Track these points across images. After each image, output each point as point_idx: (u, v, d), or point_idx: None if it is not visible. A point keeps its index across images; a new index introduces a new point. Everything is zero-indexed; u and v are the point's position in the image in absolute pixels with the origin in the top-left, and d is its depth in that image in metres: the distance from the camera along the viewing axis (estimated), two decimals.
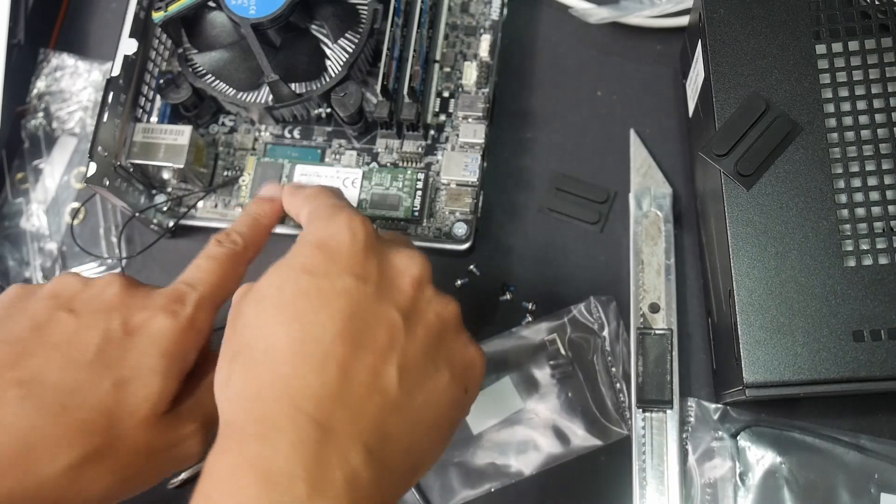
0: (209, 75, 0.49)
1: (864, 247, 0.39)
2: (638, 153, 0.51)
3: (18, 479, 0.34)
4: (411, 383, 0.33)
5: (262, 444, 0.30)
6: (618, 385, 0.46)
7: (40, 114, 0.55)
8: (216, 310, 0.40)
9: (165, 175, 0.49)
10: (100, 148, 0.45)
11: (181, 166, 0.47)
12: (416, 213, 0.48)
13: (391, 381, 0.33)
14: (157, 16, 0.47)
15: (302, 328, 0.33)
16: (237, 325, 0.35)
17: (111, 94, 0.46)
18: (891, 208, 0.39)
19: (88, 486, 0.36)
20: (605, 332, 0.47)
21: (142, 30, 0.48)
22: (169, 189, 0.51)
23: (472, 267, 0.50)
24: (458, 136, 0.49)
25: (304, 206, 0.39)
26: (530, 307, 0.48)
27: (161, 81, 0.50)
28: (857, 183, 0.39)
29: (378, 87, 0.47)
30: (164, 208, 0.50)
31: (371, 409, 0.32)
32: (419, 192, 0.48)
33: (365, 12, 0.49)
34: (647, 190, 0.49)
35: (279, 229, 0.49)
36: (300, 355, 0.32)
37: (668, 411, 0.45)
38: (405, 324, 0.34)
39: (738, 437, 0.45)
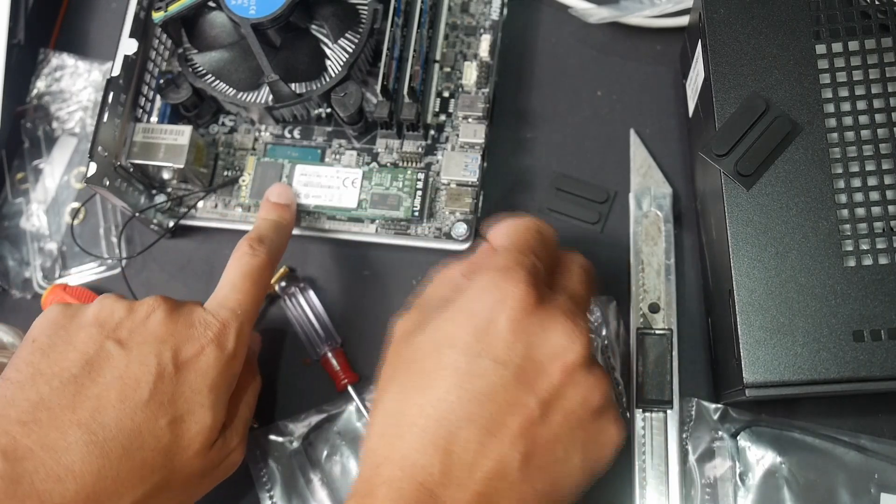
0: (209, 75, 0.49)
1: (864, 247, 0.39)
2: (638, 153, 0.51)
3: None
4: (536, 467, 0.34)
5: None
6: (618, 385, 0.46)
7: (40, 114, 0.55)
8: (251, 334, 0.41)
9: (165, 175, 0.49)
10: (100, 148, 0.45)
11: (181, 166, 0.47)
12: (416, 213, 0.48)
13: (513, 466, 0.33)
14: (157, 16, 0.47)
15: (432, 404, 0.34)
16: (390, 366, 0.37)
17: (111, 94, 0.46)
18: (891, 208, 0.39)
19: None
20: (605, 332, 0.47)
21: (142, 30, 0.48)
22: (169, 189, 0.51)
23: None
24: (458, 136, 0.49)
25: (498, 239, 0.39)
26: None
27: (161, 81, 0.50)
28: (857, 183, 0.39)
29: (378, 87, 0.47)
30: (164, 208, 0.50)
31: (489, 492, 0.33)
32: (419, 192, 0.48)
33: (365, 12, 0.49)
34: (647, 190, 0.49)
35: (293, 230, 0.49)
36: (427, 432, 0.33)
37: (668, 411, 0.45)
38: (542, 411, 0.34)
39: (738, 437, 0.45)
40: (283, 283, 0.49)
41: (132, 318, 0.39)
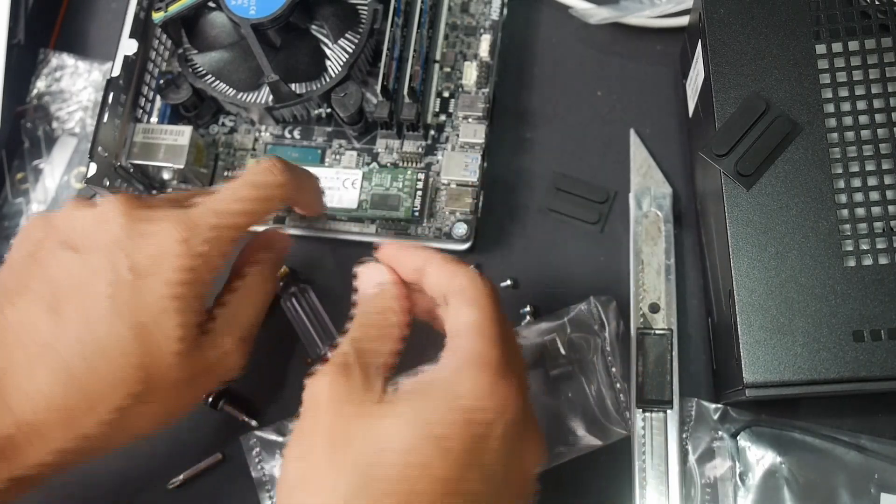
0: (209, 76, 0.49)
1: (864, 247, 0.39)
2: (638, 153, 0.51)
3: (65, 438, 0.35)
4: None
5: None
6: (618, 385, 0.46)
7: (40, 114, 0.55)
8: (236, 240, 0.38)
9: (166, 175, 0.49)
10: (100, 148, 0.45)
11: (181, 167, 0.47)
12: (417, 214, 0.48)
13: None
14: (157, 16, 0.47)
15: None
16: (339, 450, 0.32)
17: (111, 95, 0.46)
18: (891, 208, 0.39)
19: (135, 424, 0.37)
20: (605, 332, 0.47)
21: (142, 30, 0.48)
22: (169, 189, 0.51)
23: (472, 267, 0.49)
24: (458, 136, 0.49)
25: (476, 318, 0.35)
26: (529, 310, 0.48)
27: (161, 82, 0.50)
28: (857, 183, 0.39)
29: (378, 87, 0.47)
30: None
31: None
32: (419, 193, 0.48)
33: (365, 12, 0.49)
34: (647, 190, 0.49)
35: (292, 230, 0.49)
36: None
37: (668, 411, 0.45)
38: None
39: (738, 437, 0.45)
40: (282, 284, 0.49)
41: (88, 221, 0.37)
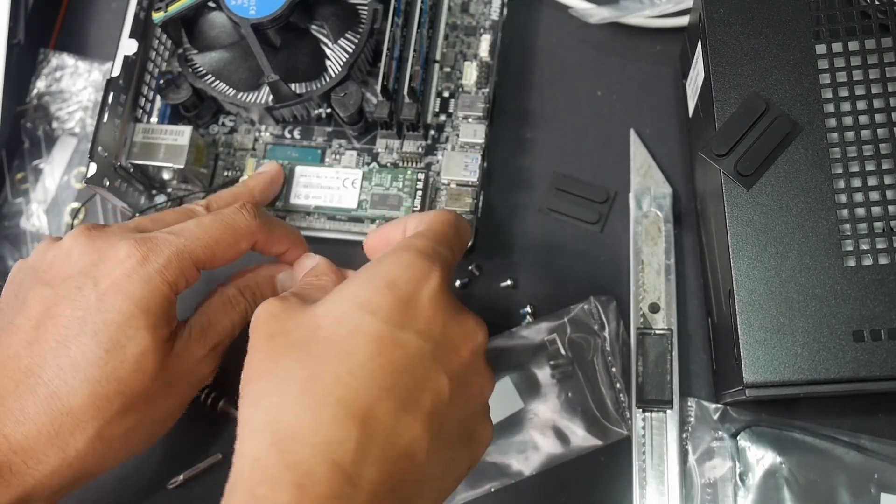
0: (209, 76, 0.49)
1: (864, 247, 0.39)
2: (638, 153, 0.51)
3: (60, 457, 0.36)
4: (437, 454, 0.33)
5: (299, 496, 0.30)
6: (618, 385, 0.46)
7: (40, 114, 0.55)
8: (197, 268, 0.39)
9: (166, 175, 0.49)
10: (100, 148, 0.45)
11: (181, 167, 0.47)
12: None
13: (421, 447, 0.32)
14: (157, 16, 0.47)
15: (351, 372, 0.32)
16: (278, 342, 0.33)
17: (111, 95, 0.46)
18: (891, 208, 0.39)
19: (124, 440, 0.38)
20: (605, 332, 0.47)
21: (142, 30, 0.48)
22: (169, 189, 0.51)
23: (471, 267, 0.50)
24: (458, 136, 0.49)
25: (411, 227, 0.39)
26: (529, 310, 0.48)
27: (161, 82, 0.50)
28: (857, 183, 0.39)
29: (378, 87, 0.47)
30: (165, 209, 0.50)
31: (396, 472, 0.31)
32: (419, 193, 0.48)
33: (365, 12, 0.49)
34: (647, 190, 0.49)
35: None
36: (343, 404, 0.31)
37: (668, 411, 0.45)
38: (451, 393, 0.33)
39: (738, 437, 0.45)
40: None
41: (56, 256, 0.39)
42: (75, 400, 0.36)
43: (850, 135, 0.40)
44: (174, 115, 0.51)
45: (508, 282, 0.49)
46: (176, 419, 0.41)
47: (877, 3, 0.41)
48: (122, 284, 0.37)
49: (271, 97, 0.48)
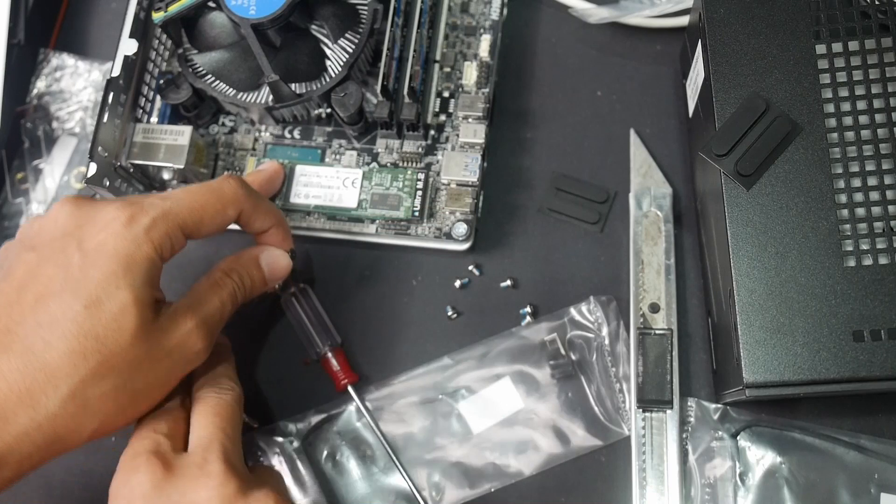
0: (209, 76, 0.49)
1: (864, 247, 0.39)
2: (638, 153, 0.51)
3: (30, 417, 0.36)
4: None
5: None
6: (618, 385, 0.46)
7: (40, 114, 0.55)
8: (184, 233, 0.40)
9: (166, 175, 0.49)
10: (100, 148, 0.45)
11: (181, 167, 0.47)
12: (417, 213, 0.48)
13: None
14: (157, 16, 0.47)
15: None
16: None
17: (111, 95, 0.46)
18: (891, 208, 0.39)
19: (99, 406, 0.37)
20: (605, 332, 0.47)
21: (142, 30, 0.48)
22: (169, 189, 0.51)
23: (471, 267, 0.50)
24: (458, 136, 0.49)
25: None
26: (529, 310, 0.48)
27: (161, 82, 0.50)
28: (857, 183, 0.39)
29: (378, 87, 0.47)
30: None
31: None
32: (419, 192, 0.48)
33: (365, 12, 0.49)
34: (647, 190, 0.49)
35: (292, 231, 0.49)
36: None
37: (668, 411, 0.45)
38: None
39: (738, 437, 0.45)
40: (283, 283, 0.49)
41: (42, 224, 0.39)
42: (50, 355, 0.36)
43: (850, 135, 0.40)
44: (174, 115, 0.51)
45: (508, 282, 0.49)
46: (159, 399, 0.40)
47: (877, 3, 0.41)
48: (106, 243, 0.37)
49: (271, 97, 0.48)
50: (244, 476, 0.39)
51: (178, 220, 0.39)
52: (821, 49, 0.41)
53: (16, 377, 0.36)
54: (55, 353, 0.36)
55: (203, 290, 0.41)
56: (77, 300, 0.36)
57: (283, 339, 0.49)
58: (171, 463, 0.38)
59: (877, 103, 0.40)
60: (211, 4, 0.48)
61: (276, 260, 0.45)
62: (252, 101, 0.49)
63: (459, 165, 0.48)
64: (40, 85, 0.55)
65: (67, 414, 0.36)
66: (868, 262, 0.39)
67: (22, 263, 0.38)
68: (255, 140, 0.51)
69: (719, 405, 0.45)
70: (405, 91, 0.48)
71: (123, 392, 0.38)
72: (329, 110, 0.50)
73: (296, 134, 0.51)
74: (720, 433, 0.45)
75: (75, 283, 0.37)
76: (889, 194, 0.39)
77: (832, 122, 0.40)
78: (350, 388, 0.47)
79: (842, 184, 0.39)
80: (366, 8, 0.49)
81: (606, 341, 0.47)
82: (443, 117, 0.50)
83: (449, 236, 0.48)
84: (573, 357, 0.47)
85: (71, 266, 0.37)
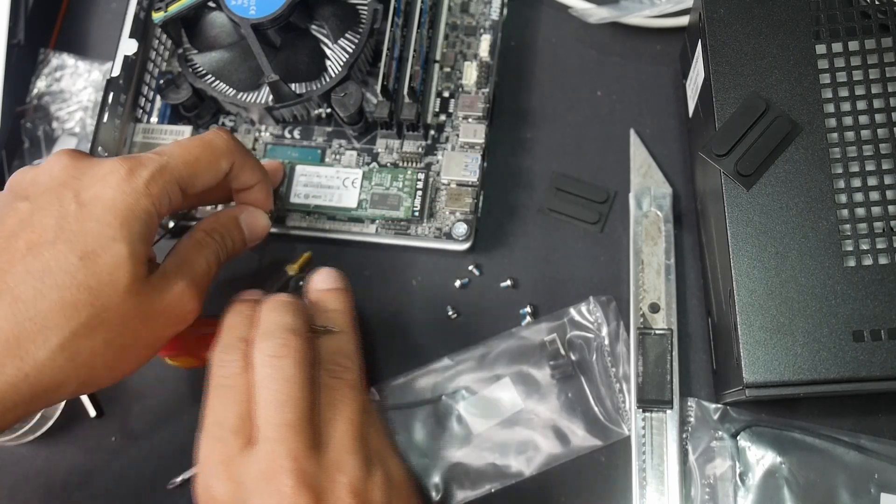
0: (209, 76, 0.49)
1: (864, 247, 0.39)
2: (638, 153, 0.51)
3: (17, 367, 0.35)
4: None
5: None
6: (618, 385, 0.46)
7: (40, 114, 0.55)
8: (179, 184, 0.39)
9: None
10: (100, 148, 0.45)
11: None
12: (417, 213, 0.48)
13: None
14: (157, 16, 0.47)
15: None
16: None
17: (111, 95, 0.46)
18: (891, 208, 0.39)
19: (88, 360, 0.36)
20: (605, 332, 0.47)
21: (142, 30, 0.48)
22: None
23: (471, 267, 0.50)
24: (458, 136, 0.49)
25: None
26: (529, 310, 0.48)
27: (161, 82, 0.50)
28: (857, 183, 0.39)
29: (378, 87, 0.47)
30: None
31: None
32: (419, 192, 0.48)
33: (365, 12, 0.49)
34: (647, 190, 0.49)
35: (293, 231, 0.49)
36: None
37: (668, 411, 0.45)
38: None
39: (738, 437, 0.45)
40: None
41: (36, 174, 0.39)
42: (42, 305, 0.35)
43: (850, 135, 0.40)
44: (174, 115, 0.51)
45: (508, 282, 0.49)
46: (148, 357, 0.40)
47: (877, 3, 0.41)
48: (104, 195, 0.37)
49: (271, 97, 0.48)
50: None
51: (175, 175, 0.39)
52: (821, 49, 0.41)
53: (3, 326, 0.35)
54: (46, 304, 0.35)
55: (188, 250, 0.41)
56: (72, 251, 0.36)
57: None
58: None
59: (877, 103, 0.40)
60: (211, 4, 0.48)
61: (255, 220, 0.44)
62: (252, 101, 0.49)
63: (459, 165, 0.48)
64: (40, 85, 0.55)
65: (56, 366, 0.36)
66: (868, 262, 0.39)
67: (13, 211, 0.37)
68: (255, 140, 0.51)
69: (719, 405, 0.45)
70: (405, 91, 0.48)
71: (112, 347, 0.37)
72: (329, 110, 0.50)
73: (296, 134, 0.51)
74: (720, 433, 0.45)
75: (70, 234, 0.36)
76: (889, 194, 0.39)
77: (832, 122, 0.40)
78: None
79: (842, 184, 0.39)
80: (366, 8, 0.49)
81: (606, 341, 0.47)
82: (443, 117, 0.50)
83: (449, 236, 0.48)
84: (573, 357, 0.47)
85: (67, 216, 0.37)
